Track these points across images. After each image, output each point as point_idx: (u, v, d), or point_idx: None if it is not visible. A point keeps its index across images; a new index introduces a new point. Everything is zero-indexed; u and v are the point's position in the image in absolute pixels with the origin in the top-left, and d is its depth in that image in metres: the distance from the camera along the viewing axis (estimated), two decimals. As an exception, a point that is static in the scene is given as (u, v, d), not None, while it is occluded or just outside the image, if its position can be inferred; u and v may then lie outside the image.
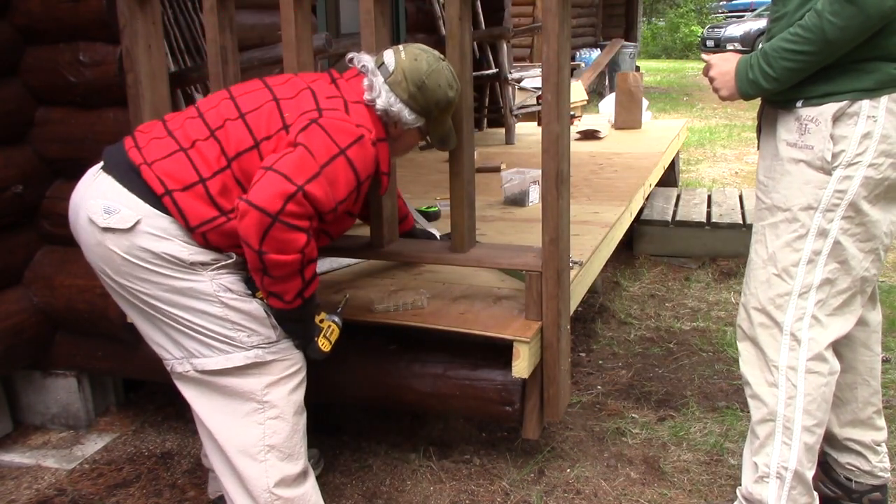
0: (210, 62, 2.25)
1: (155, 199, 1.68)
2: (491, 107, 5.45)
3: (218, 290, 1.72)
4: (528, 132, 5.27)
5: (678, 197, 4.84)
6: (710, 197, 4.82)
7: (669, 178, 5.12)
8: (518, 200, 3.38)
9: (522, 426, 2.23)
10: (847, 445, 2.03)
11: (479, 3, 5.21)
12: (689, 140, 7.50)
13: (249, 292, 1.77)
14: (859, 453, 2.02)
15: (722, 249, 4.24)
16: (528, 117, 5.52)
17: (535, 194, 3.36)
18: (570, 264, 2.24)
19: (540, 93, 2.59)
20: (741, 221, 4.25)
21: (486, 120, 5.69)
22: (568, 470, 2.38)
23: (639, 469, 2.37)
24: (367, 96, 1.84)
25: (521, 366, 2.06)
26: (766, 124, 1.87)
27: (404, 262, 2.56)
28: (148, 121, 2.40)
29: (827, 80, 1.68)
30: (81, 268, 2.56)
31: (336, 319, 1.93)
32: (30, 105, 2.52)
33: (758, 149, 1.99)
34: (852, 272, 1.77)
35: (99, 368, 2.69)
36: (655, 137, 4.91)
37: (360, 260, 2.60)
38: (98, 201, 1.70)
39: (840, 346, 1.90)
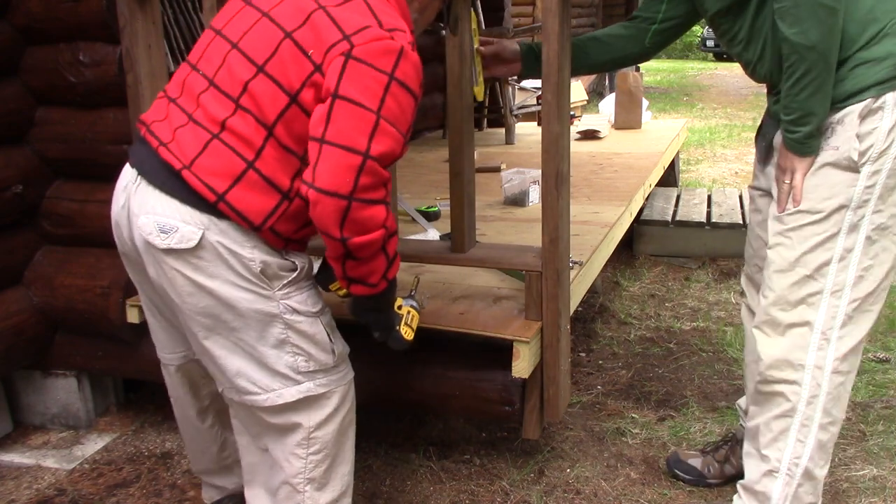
0: (210, 62, 2.25)
1: (210, 207, 1.51)
2: (491, 107, 5.45)
3: (284, 311, 1.59)
4: (528, 132, 5.28)
5: (678, 197, 4.84)
6: (710, 197, 4.82)
7: (669, 178, 5.13)
8: (518, 200, 3.38)
9: (522, 426, 2.23)
10: None
11: (479, 3, 5.21)
12: (689, 140, 7.50)
13: (316, 310, 1.64)
14: None
15: (722, 249, 4.24)
16: (528, 117, 5.52)
17: (535, 194, 3.36)
18: (570, 264, 2.24)
19: (540, 93, 2.59)
20: (741, 221, 4.25)
21: (486, 120, 5.69)
22: (568, 470, 2.38)
23: (639, 469, 2.37)
24: None
25: (521, 366, 2.06)
26: (776, 136, 1.86)
27: (404, 262, 2.56)
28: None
29: (844, 81, 1.68)
30: (81, 268, 2.57)
31: (414, 304, 1.81)
32: (30, 105, 2.51)
33: (759, 161, 1.99)
34: (884, 266, 1.76)
35: (99, 368, 2.69)
36: (655, 137, 4.91)
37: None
38: (150, 218, 1.54)
39: None
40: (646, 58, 2.20)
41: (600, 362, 3.12)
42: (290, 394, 1.63)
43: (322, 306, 1.68)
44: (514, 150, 4.76)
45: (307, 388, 1.64)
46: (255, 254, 1.55)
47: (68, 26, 2.38)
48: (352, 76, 1.44)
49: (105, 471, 2.50)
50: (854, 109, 1.67)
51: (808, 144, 1.71)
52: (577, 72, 2.14)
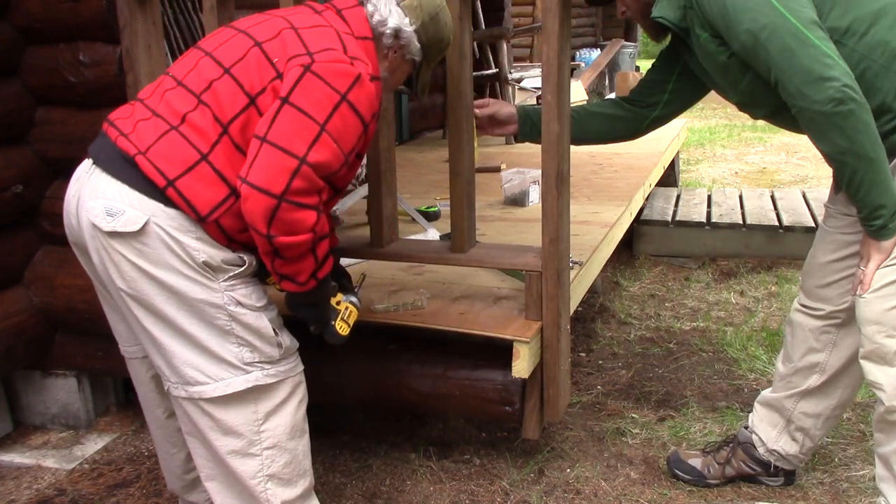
0: (210, 62, 2.25)
1: (159, 193, 1.54)
2: (491, 107, 5.44)
3: (228, 302, 1.61)
4: (528, 132, 5.26)
5: (678, 197, 4.84)
6: (710, 197, 4.82)
7: (669, 178, 5.13)
8: (518, 200, 3.38)
9: (522, 426, 2.23)
10: (802, 427, 2.14)
11: (479, 3, 5.21)
12: (689, 140, 7.50)
13: (260, 305, 1.66)
14: (803, 440, 2.16)
15: (722, 249, 4.24)
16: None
17: (535, 194, 3.36)
18: (570, 264, 2.24)
19: (540, 93, 2.59)
20: (741, 221, 4.25)
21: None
22: (568, 470, 2.38)
23: (639, 469, 2.37)
24: (375, 18, 1.70)
25: (521, 366, 2.05)
26: None
27: (404, 262, 2.56)
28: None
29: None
30: (81, 268, 2.56)
31: (353, 300, 1.85)
32: (30, 105, 2.51)
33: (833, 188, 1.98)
34: None
35: (99, 368, 2.69)
36: (655, 137, 4.86)
37: (360, 260, 2.60)
38: (98, 202, 1.56)
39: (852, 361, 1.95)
40: (638, 136, 2.24)
41: (600, 362, 3.12)
42: (238, 383, 1.63)
43: (266, 302, 1.70)
44: (514, 150, 4.76)
45: (255, 377, 1.64)
46: (199, 245, 1.58)
47: (68, 26, 2.38)
48: (305, 87, 1.52)
49: (105, 471, 2.50)
50: None
51: (888, 229, 1.72)
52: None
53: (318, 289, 1.70)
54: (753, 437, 2.22)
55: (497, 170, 3.94)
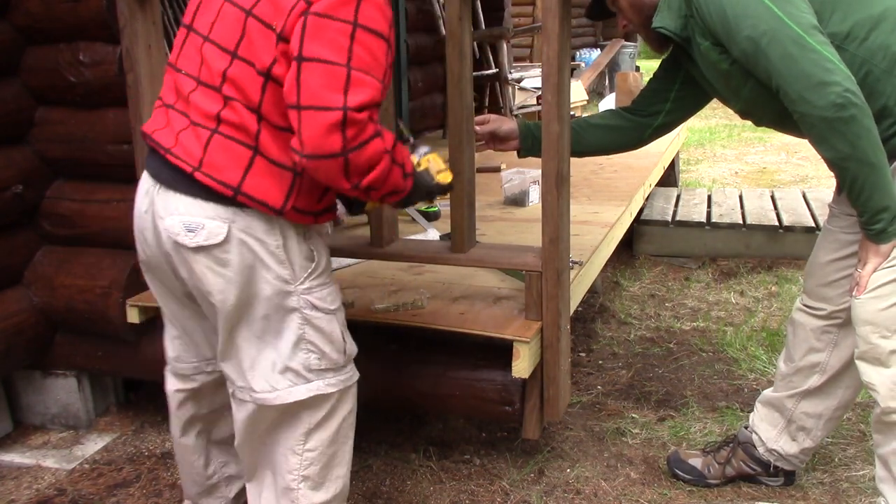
0: (210, 62, 2.25)
1: (229, 201, 1.52)
2: (491, 107, 5.45)
3: (304, 305, 1.60)
4: (528, 132, 5.27)
5: (678, 197, 4.84)
6: (710, 197, 4.82)
7: (669, 178, 5.12)
8: (518, 200, 3.38)
9: (522, 426, 2.23)
10: (804, 427, 2.14)
11: (479, 3, 5.21)
12: (689, 140, 7.50)
13: (334, 308, 1.66)
14: (803, 440, 2.16)
15: (722, 249, 4.24)
16: (528, 117, 5.52)
17: (535, 194, 3.36)
18: (570, 264, 2.24)
19: (540, 93, 2.59)
20: (741, 221, 4.25)
21: (486, 120, 5.68)
22: (568, 470, 2.38)
23: (639, 469, 2.37)
24: None
25: (521, 366, 2.05)
26: None
27: (404, 262, 2.56)
28: (147, 120, 2.39)
29: None
30: (81, 268, 2.57)
31: (422, 150, 1.80)
32: (30, 105, 2.51)
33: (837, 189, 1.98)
34: None
35: (99, 368, 2.69)
36: (655, 137, 4.90)
37: (360, 260, 2.60)
38: (175, 219, 1.54)
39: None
40: (640, 146, 2.26)
41: (600, 362, 3.12)
42: (300, 392, 1.64)
43: (339, 305, 1.69)
44: (514, 150, 4.75)
45: (316, 386, 1.65)
46: (279, 240, 1.57)
47: (68, 26, 2.38)
48: (313, 33, 1.41)
49: (105, 471, 2.50)
50: None
51: (887, 233, 1.72)
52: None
53: (416, 179, 1.67)
54: (753, 436, 2.22)
55: (497, 170, 3.94)
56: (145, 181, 1.65)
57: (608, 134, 2.19)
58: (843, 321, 1.98)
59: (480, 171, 3.68)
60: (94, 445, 2.65)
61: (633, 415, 2.69)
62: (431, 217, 3.12)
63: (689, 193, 4.99)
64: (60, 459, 2.57)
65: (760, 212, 4.42)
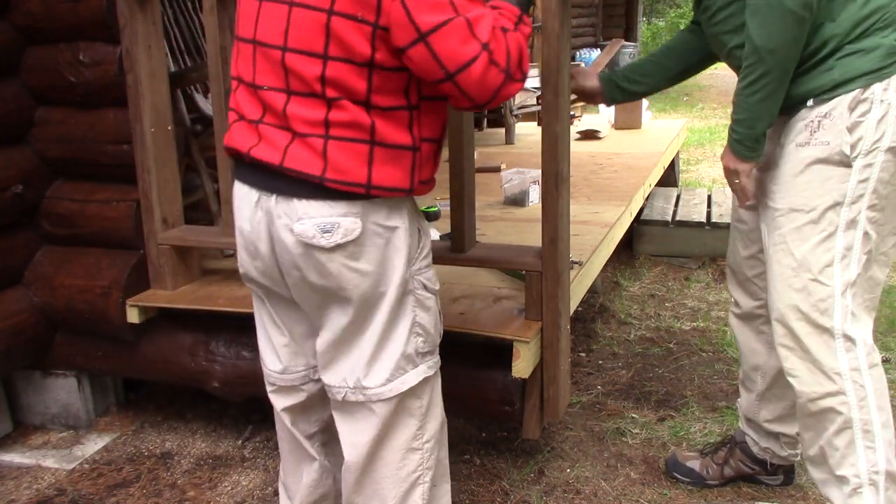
0: (210, 62, 2.25)
1: (361, 196, 1.52)
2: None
3: (416, 286, 1.62)
4: (528, 132, 5.27)
5: (678, 197, 4.84)
6: (710, 197, 4.82)
7: (669, 178, 5.12)
8: (518, 200, 3.38)
9: (522, 426, 2.23)
10: (772, 433, 2.15)
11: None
12: (689, 140, 7.50)
13: (437, 288, 1.67)
14: (782, 444, 2.15)
15: (722, 249, 4.23)
16: (528, 117, 5.52)
17: (535, 194, 3.36)
18: (570, 264, 2.24)
19: (540, 93, 2.59)
20: (741, 221, 4.24)
21: (486, 120, 5.69)
22: (568, 470, 2.38)
23: (639, 469, 2.37)
24: None
25: (521, 366, 2.06)
26: None
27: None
28: (155, 122, 2.39)
29: (831, 71, 1.67)
30: (81, 268, 2.57)
31: None
32: (30, 105, 2.52)
33: None
34: (882, 260, 1.76)
35: (99, 368, 2.69)
36: (655, 137, 4.91)
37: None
38: (306, 223, 1.51)
39: None
40: (711, 61, 2.13)
41: (600, 362, 3.12)
42: (411, 378, 1.63)
43: (438, 286, 1.71)
44: (514, 150, 4.76)
45: (423, 370, 1.65)
46: (400, 223, 1.59)
47: (68, 26, 2.38)
48: (416, 7, 1.41)
49: (105, 471, 2.50)
50: (842, 101, 1.66)
51: (752, 149, 1.73)
52: (656, 88, 2.20)
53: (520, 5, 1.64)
54: (747, 437, 2.23)
55: (497, 170, 3.94)
56: (248, 195, 1.60)
57: (683, 51, 2.12)
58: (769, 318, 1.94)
59: (480, 171, 3.68)
60: (93, 445, 2.65)
61: (633, 415, 2.69)
62: (431, 217, 3.12)
63: (689, 193, 4.99)
64: (60, 459, 2.57)
65: (760, 212, 4.41)
